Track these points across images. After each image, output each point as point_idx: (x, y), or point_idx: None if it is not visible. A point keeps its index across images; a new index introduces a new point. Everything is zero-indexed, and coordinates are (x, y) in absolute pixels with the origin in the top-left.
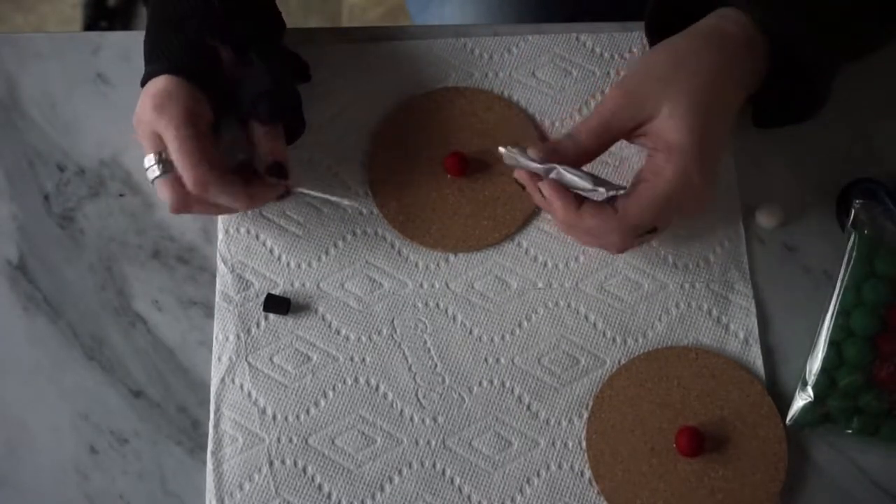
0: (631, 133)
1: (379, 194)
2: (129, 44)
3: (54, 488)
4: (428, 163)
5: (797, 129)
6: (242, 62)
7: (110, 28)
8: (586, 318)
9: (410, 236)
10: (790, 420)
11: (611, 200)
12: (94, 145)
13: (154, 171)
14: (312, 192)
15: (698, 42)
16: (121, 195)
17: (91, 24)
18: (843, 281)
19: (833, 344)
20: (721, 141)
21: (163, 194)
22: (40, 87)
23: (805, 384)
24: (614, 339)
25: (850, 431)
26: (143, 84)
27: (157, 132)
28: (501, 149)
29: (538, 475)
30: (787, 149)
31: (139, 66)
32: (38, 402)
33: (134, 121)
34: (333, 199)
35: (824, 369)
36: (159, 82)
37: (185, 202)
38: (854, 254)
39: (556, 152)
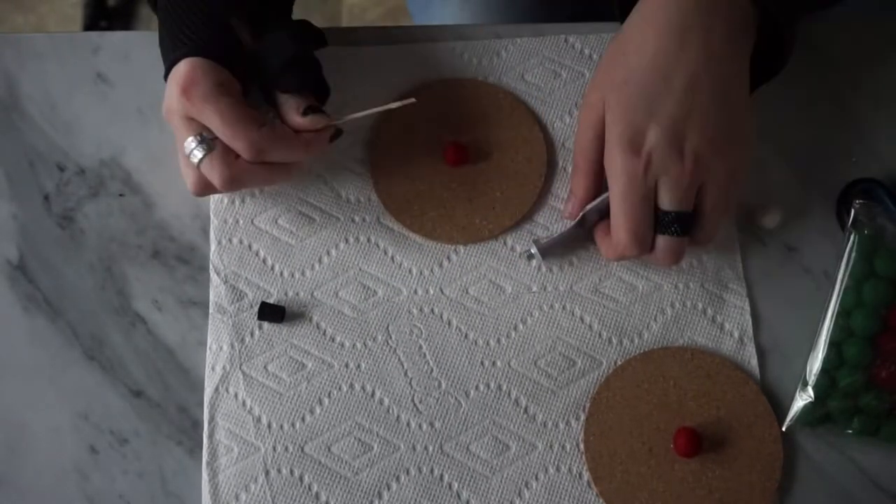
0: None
1: (379, 181)
2: (129, 44)
3: (54, 488)
4: (428, 152)
5: (797, 130)
6: (260, 36)
7: (110, 28)
8: (582, 319)
9: (408, 225)
10: (790, 420)
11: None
12: (94, 145)
13: (197, 154)
14: (362, 113)
15: (638, 19)
16: (121, 195)
17: (91, 24)
18: (842, 281)
19: (833, 344)
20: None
21: (212, 174)
22: (40, 87)
23: (805, 384)
24: (610, 340)
25: (850, 432)
26: (166, 76)
27: (189, 116)
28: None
29: (536, 478)
30: (787, 149)
31: (139, 65)
32: (38, 402)
33: (164, 112)
34: (384, 108)
35: (825, 370)
36: (182, 66)
37: (236, 177)
38: (854, 254)
39: (574, 195)
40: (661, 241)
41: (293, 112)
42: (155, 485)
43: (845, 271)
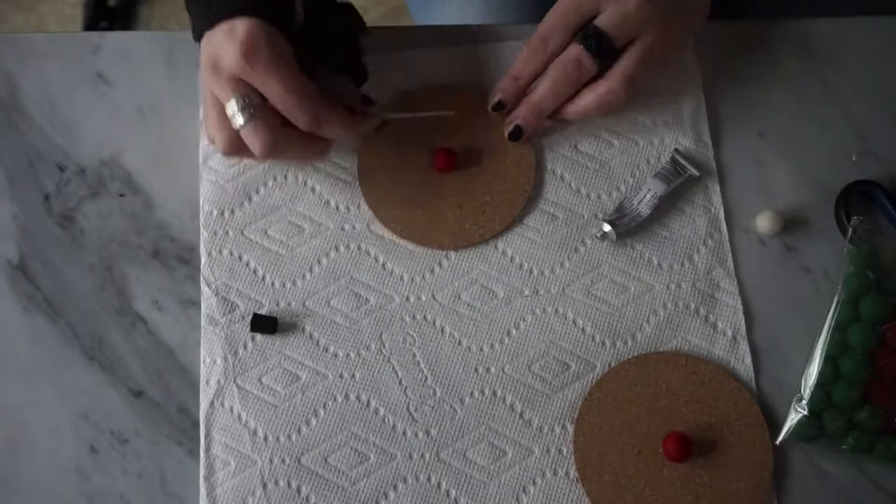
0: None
1: (367, 188)
2: (129, 44)
3: (54, 488)
4: (416, 158)
5: (797, 130)
6: (306, 9)
7: (110, 28)
8: (574, 322)
9: (398, 232)
10: (784, 434)
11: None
12: (94, 145)
13: (239, 118)
14: (404, 115)
15: None
16: (121, 195)
17: (91, 24)
18: (839, 295)
19: (829, 359)
20: None
21: (253, 139)
22: (40, 87)
23: (800, 399)
24: (603, 343)
25: (845, 447)
26: (205, 29)
27: (239, 77)
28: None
29: (534, 483)
30: (787, 149)
31: (139, 65)
32: (38, 402)
33: (203, 65)
34: (429, 114)
35: (820, 384)
36: (243, 26)
37: (276, 144)
38: (851, 269)
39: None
40: (573, 48)
41: (354, 99)
42: (155, 485)
43: (843, 286)
